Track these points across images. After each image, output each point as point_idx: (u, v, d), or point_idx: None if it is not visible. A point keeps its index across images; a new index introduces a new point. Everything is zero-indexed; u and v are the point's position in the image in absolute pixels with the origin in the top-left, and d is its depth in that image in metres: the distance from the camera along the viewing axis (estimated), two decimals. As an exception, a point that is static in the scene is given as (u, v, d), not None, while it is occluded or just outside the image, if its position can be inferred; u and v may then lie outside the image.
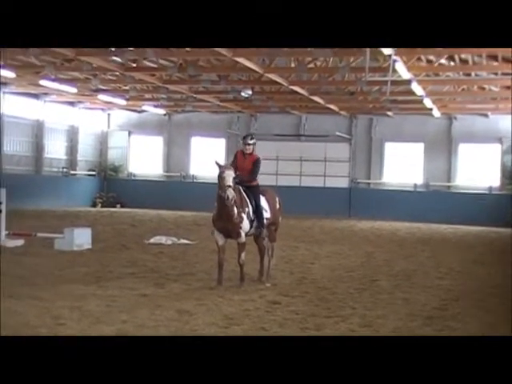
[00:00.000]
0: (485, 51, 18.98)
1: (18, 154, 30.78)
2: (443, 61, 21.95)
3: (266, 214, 10.72)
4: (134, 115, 35.50)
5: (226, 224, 10.24)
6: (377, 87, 24.54)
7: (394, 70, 18.51)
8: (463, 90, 26.07)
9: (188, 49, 19.69)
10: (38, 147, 31.70)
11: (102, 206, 33.21)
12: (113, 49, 19.84)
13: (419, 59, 21.84)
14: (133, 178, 36.00)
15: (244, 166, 10.60)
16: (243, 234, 10.32)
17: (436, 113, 29.04)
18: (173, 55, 21.73)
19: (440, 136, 31.87)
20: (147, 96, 30.63)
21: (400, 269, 13.34)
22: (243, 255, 10.36)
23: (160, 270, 11.97)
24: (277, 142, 33.11)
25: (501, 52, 18.81)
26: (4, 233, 14.60)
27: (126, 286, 10.02)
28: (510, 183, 30.31)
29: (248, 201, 10.45)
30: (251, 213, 10.43)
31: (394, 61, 17.65)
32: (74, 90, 26.83)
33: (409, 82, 21.21)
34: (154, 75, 24.65)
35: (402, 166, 32.62)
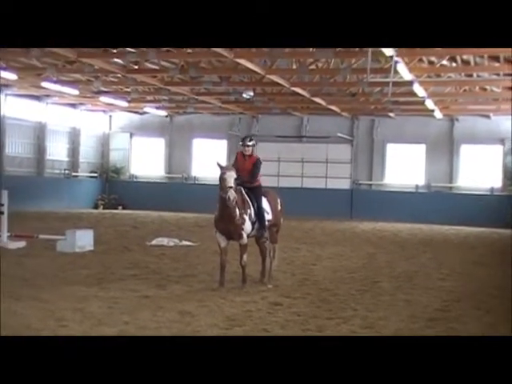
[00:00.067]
0: (486, 52, 18.94)
1: (20, 155, 30.81)
2: (445, 62, 21.91)
3: (268, 216, 10.70)
4: (136, 117, 35.51)
5: (227, 225, 10.22)
6: (378, 88, 24.50)
7: (396, 72, 18.50)
8: (465, 91, 26.04)
9: (189, 50, 19.71)
10: (40, 149, 31.72)
11: (103, 208, 33.23)
12: (114, 50, 19.87)
13: (421, 60, 21.82)
14: (135, 179, 36.01)
15: (244, 167, 10.59)
16: (245, 236, 10.31)
17: (438, 114, 29.00)
18: (174, 57, 21.76)
19: (442, 137, 31.84)
20: (149, 98, 30.65)
21: (402, 270, 13.32)
22: (245, 257, 10.36)
23: (162, 271, 11.96)
24: (278, 144, 33.13)
25: (502, 53, 18.78)
26: (6, 234, 14.63)
27: (127, 287, 10.02)
28: (512, 184, 30.30)
29: (250, 202, 10.44)
30: (253, 214, 10.41)
31: (396, 62, 17.64)
32: (75, 91, 26.89)
33: (410, 83, 21.20)
34: (155, 77, 24.67)
35: (404, 167, 32.55)
